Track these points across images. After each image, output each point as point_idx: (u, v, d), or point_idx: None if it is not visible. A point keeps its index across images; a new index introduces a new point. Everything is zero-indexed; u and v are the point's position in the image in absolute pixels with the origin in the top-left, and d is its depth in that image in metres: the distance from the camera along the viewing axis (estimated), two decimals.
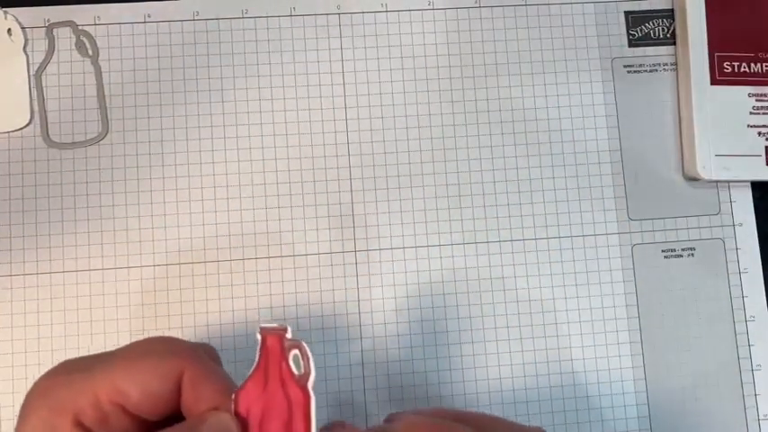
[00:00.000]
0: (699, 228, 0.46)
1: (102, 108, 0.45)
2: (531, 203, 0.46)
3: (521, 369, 0.44)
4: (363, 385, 0.44)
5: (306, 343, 0.29)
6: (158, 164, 0.45)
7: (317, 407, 0.29)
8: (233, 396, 0.29)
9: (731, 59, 0.46)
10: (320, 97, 0.46)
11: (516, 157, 0.46)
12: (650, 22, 0.48)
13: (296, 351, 0.30)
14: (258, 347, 0.30)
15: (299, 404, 0.29)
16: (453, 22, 0.48)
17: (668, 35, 0.48)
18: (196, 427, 0.27)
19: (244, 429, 0.29)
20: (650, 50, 0.48)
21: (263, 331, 0.30)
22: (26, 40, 0.45)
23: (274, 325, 0.30)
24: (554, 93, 0.47)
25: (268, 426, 0.29)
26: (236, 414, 0.29)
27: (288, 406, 0.29)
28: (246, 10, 0.47)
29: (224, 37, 0.46)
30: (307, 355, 0.29)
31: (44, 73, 0.45)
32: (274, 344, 0.30)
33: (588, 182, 0.46)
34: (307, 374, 0.29)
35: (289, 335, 0.30)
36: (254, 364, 0.30)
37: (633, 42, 0.48)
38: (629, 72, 0.48)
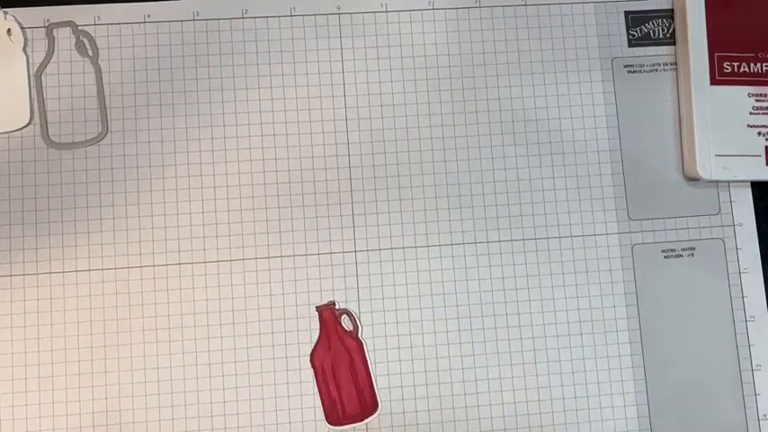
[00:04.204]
0: (699, 228, 0.46)
1: (102, 108, 0.45)
2: (531, 203, 0.46)
3: (521, 369, 0.44)
4: None
5: (352, 311, 0.44)
6: (158, 164, 0.45)
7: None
8: (309, 358, 0.43)
9: (731, 59, 0.46)
10: (320, 97, 0.46)
11: (516, 157, 0.46)
12: (650, 22, 0.48)
13: (345, 315, 0.44)
14: (318, 320, 0.43)
15: (355, 350, 0.43)
16: (453, 22, 0.47)
17: (668, 35, 0.48)
18: None
19: (322, 378, 0.43)
20: (650, 50, 0.48)
21: (318, 308, 0.44)
22: (26, 40, 0.45)
23: (325, 302, 0.44)
24: (554, 93, 0.47)
25: (338, 370, 0.43)
26: (314, 369, 0.43)
27: (348, 353, 0.43)
28: (246, 10, 0.47)
29: (224, 37, 0.46)
30: (353, 316, 0.44)
31: (44, 73, 0.45)
32: (328, 315, 0.43)
33: (588, 182, 0.46)
34: (356, 329, 0.44)
35: (337, 306, 0.44)
36: (318, 333, 0.43)
37: (633, 42, 0.48)
38: (629, 72, 0.48)
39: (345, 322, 0.44)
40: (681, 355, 0.45)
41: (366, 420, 0.43)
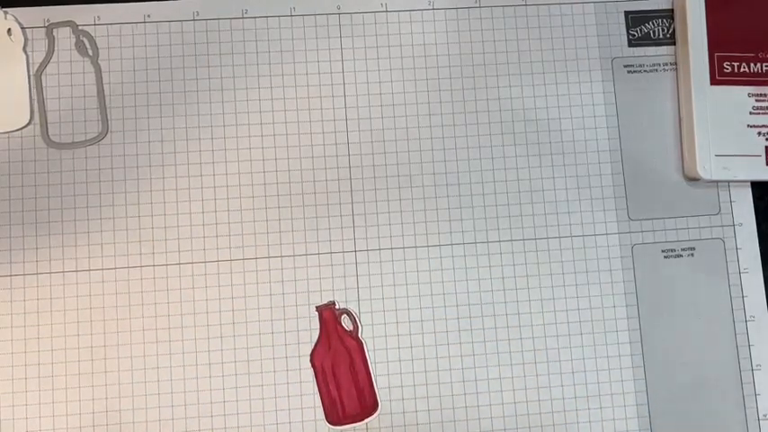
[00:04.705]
0: (699, 228, 0.46)
1: (102, 108, 0.45)
2: (531, 203, 0.46)
3: (521, 369, 0.44)
4: None
5: (352, 311, 0.44)
6: (158, 164, 0.45)
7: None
8: (309, 358, 0.43)
9: (731, 59, 0.46)
10: (320, 97, 0.46)
11: (516, 157, 0.46)
12: (650, 22, 0.48)
13: (345, 315, 0.44)
14: (318, 320, 0.43)
15: (355, 350, 0.44)
16: (453, 22, 0.47)
17: (668, 35, 0.48)
18: None
19: (322, 378, 0.43)
20: (650, 50, 0.48)
21: (318, 308, 0.44)
22: (26, 40, 0.45)
23: (325, 302, 0.44)
24: (554, 93, 0.47)
25: (338, 370, 0.43)
26: (314, 369, 0.43)
27: (348, 353, 0.43)
28: (246, 10, 0.47)
29: (224, 37, 0.46)
30: (353, 315, 0.44)
31: (44, 73, 0.45)
32: (328, 314, 0.43)
33: (588, 182, 0.46)
34: (356, 329, 0.44)
35: (337, 306, 0.44)
36: (318, 332, 0.43)
37: (633, 42, 0.48)
38: (629, 72, 0.48)
39: (345, 322, 0.44)
40: (681, 355, 0.45)
41: (366, 420, 0.43)
